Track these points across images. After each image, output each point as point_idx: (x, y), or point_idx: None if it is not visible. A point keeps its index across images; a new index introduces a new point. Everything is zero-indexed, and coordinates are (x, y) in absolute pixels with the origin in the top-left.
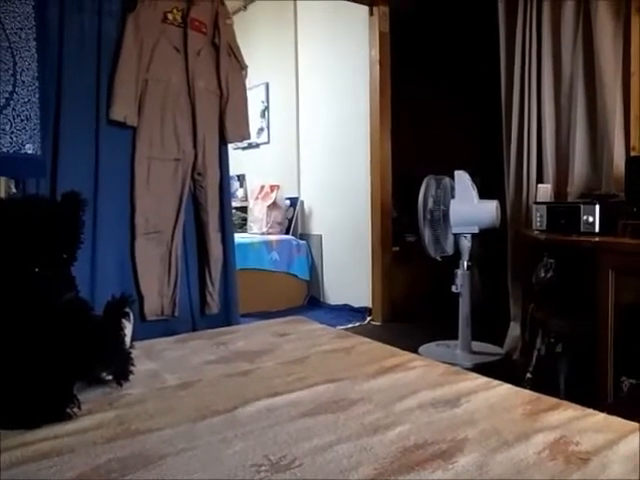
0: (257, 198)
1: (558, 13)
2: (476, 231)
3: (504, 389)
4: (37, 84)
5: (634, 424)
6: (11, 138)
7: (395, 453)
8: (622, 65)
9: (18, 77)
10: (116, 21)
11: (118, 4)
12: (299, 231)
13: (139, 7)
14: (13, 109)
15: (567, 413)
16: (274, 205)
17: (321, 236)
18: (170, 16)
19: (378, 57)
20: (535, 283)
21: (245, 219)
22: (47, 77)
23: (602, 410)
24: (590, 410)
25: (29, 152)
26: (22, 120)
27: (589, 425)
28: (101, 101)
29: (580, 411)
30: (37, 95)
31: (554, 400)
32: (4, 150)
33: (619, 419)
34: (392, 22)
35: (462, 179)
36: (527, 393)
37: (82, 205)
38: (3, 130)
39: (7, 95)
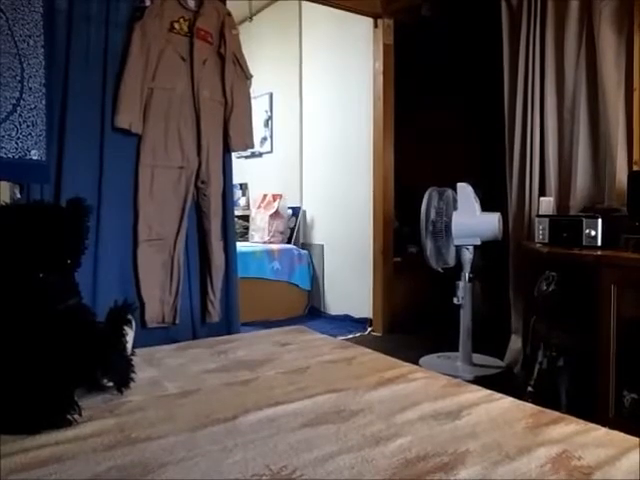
0: (259, 207)
1: (561, 28)
2: (478, 243)
3: (506, 402)
4: (44, 91)
5: (636, 439)
6: (17, 144)
7: (397, 465)
8: (625, 80)
9: (25, 84)
10: (122, 31)
11: (125, 15)
12: (301, 241)
13: (146, 16)
14: (20, 115)
15: (569, 427)
16: (276, 214)
17: (323, 246)
18: (177, 25)
19: (382, 69)
20: (537, 296)
21: (247, 228)
22: (54, 84)
23: (604, 424)
24: (592, 424)
25: (34, 158)
26: (28, 126)
27: (591, 440)
28: (106, 108)
29: (582, 425)
30: (44, 102)
31: (556, 414)
32: (10, 155)
33: (621, 434)
34: (396, 35)
35: (464, 191)
36: (529, 406)
37: (87, 211)
38: (9, 136)
39: (14, 101)
